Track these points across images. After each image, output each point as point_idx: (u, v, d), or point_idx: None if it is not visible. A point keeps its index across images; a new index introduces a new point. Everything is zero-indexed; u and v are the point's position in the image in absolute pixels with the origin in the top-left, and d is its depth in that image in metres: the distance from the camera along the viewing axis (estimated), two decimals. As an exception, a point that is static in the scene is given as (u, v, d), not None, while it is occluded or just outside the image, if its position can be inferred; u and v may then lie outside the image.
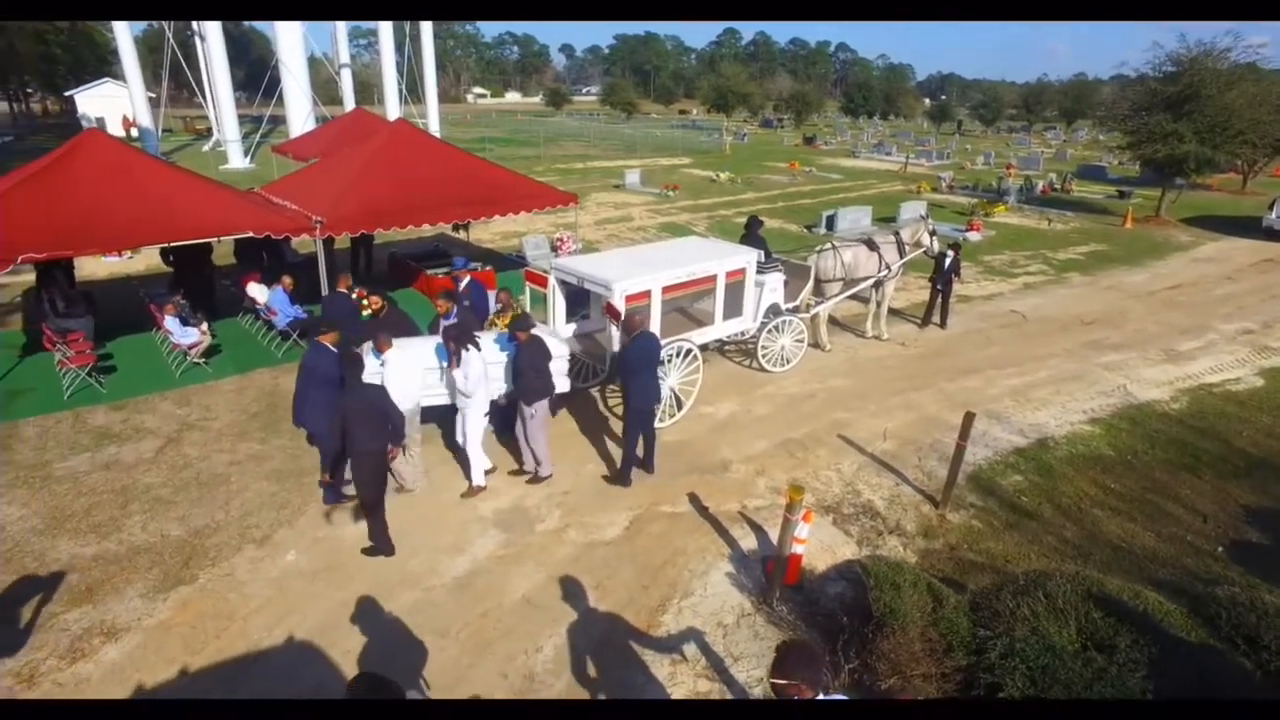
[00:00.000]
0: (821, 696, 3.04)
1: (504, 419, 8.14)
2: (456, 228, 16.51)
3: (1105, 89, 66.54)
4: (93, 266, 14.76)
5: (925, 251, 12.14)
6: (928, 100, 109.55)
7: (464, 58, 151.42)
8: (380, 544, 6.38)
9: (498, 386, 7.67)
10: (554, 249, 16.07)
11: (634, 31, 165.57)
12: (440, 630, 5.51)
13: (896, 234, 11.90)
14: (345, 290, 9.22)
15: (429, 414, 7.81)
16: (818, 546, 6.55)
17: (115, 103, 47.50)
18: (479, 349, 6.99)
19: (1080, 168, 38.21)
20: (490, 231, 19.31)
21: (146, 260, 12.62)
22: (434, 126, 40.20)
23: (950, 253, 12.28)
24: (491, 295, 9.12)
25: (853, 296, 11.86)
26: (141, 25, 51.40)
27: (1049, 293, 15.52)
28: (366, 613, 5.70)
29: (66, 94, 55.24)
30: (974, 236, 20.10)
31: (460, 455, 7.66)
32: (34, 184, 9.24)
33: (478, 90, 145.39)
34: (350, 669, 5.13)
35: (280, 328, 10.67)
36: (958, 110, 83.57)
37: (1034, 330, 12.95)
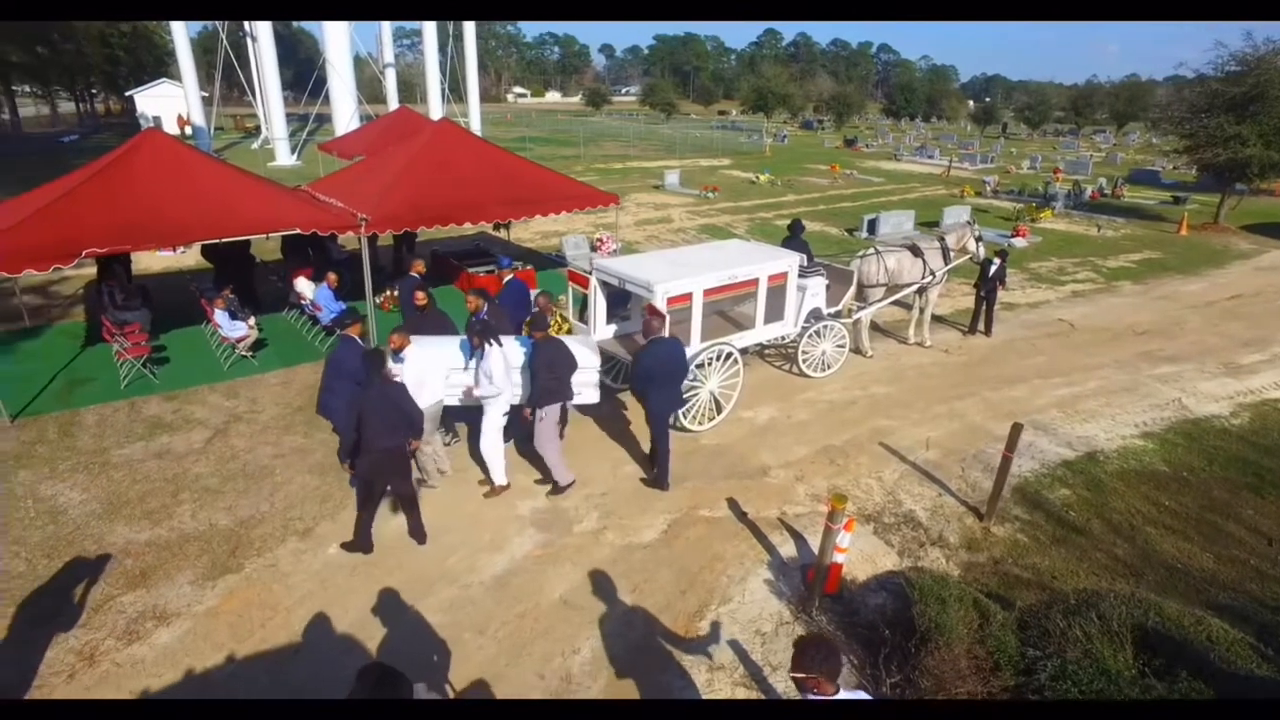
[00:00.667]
0: (843, 692, 3.15)
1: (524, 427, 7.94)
2: (497, 227, 16.65)
3: (1160, 90, 64.39)
4: (148, 261, 15.22)
5: (971, 257, 11.89)
6: (971, 102, 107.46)
7: (505, 58, 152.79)
8: (361, 542, 6.41)
9: (519, 389, 7.50)
10: (594, 249, 16.13)
11: (674, 32, 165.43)
12: (478, 628, 5.54)
13: (941, 239, 11.69)
14: (417, 275, 9.43)
15: (461, 414, 7.84)
16: (858, 556, 6.44)
17: (171, 102, 49.01)
18: (501, 346, 6.97)
19: (1132, 172, 37.13)
20: (530, 231, 19.43)
21: (197, 255, 12.93)
22: (475, 125, 40.61)
23: (996, 259, 12.01)
24: (533, 295, 9.16)
25: (896, 302, 11.67)
26: (197, 27, 52.92)
27: (1098, 301, 15.09)
28: (406, 608, 5.76)
29: (127, 94, 57.12)
30: (1019, 243, 19.65)
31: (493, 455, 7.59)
32: (97, 181, 9.51)
33: (518, 90, 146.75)
34: (391, 661, 5.17)
35: (324, 323, 10.86)
36: (1003, 112, 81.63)
37: (1082, 339, 12.60)
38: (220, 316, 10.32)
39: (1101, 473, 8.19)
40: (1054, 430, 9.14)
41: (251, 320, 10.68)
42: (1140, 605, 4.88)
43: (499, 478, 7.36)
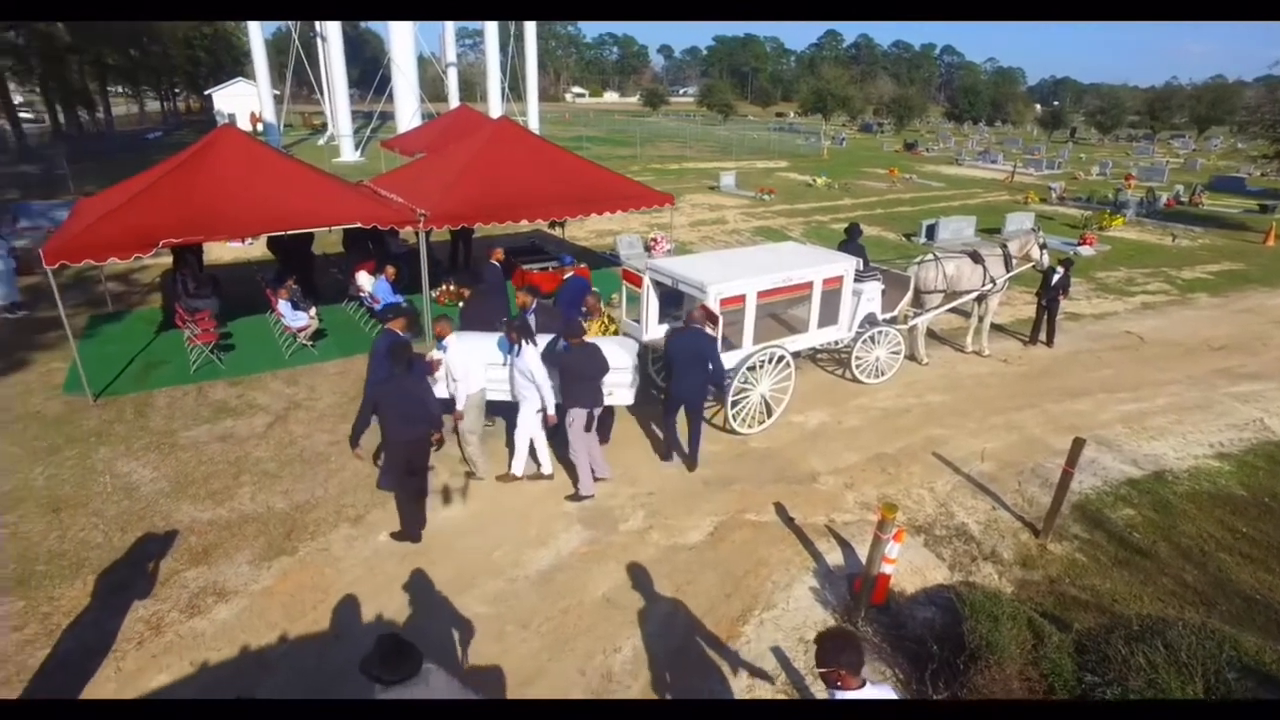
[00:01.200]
0: (868, 686, 3.20)
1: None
2: (552, 224, 16.82)
3: (1249, 92, 60.89)
4: (219, 251, 15.85)
5: (1034, 265, 11.50)
6: (1038, 106, 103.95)
7: (564, 57, 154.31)
8: (409, 531, 6.51)
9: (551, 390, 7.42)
10: (647, 249, 16.16)
11: (733, 33, 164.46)
12: (522, 622, 5.60)
13: (1003, 246, 11.34)
14: (497, 263, 9.76)
15: (503, 408, 7.93)
16: (907, 568, 6.30)
17: (245, 100, 51.05)
18: (536, 346, 7.03)
19: (1213, 179, 35.33)
20: (585, 229, 19.56)
21: (264, 247, 13.43)
22: (534, 124, 41.18)
23: (1060, 268, 11.59)
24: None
25: (954, 309, 11.37)
26: (272, 28, 55.03)
27: (1170, 314, 14.41)
28: (451, 598, 5.85)
29: (206, 93, 59.74)
30: (1086, 251, 18.92)
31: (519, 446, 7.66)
32: (175, 175, 9.96)
33: (576, 89, 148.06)
34: (433, 651, 5.27)
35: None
36: (1072, 116, 78.63)
37: (1152, 353, 12.06)
38: (283, 306, 10.68)
39: (1170, 494, 7.82)
40: (1119, 447, 8.77)
41: (312, 311, 11.02)
42: (1213, 637, 4.60)
43: (517, 468, 7.48)
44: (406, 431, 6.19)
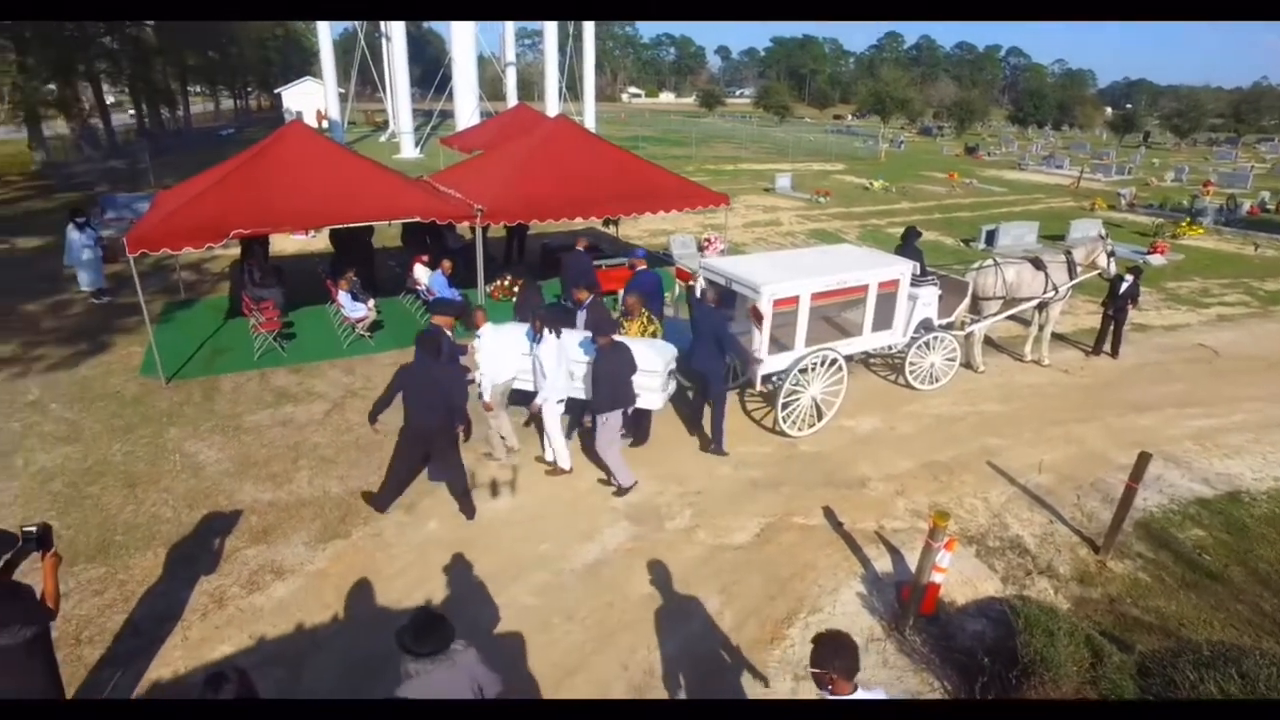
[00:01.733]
0: (860, 692, 3.18)
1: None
2: (606, 222, 16.92)
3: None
4: (282, 243, 16.38)
5: (1101, 274, 11.10)
6: (1109, 109, 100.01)
7: (621, 58, 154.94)
8: (466, 510, 6.78)
9: (577, 385, 7.59)
10: (700, 249, 16.13)
11: (791, 34, 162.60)
12: (567, 614, 5.67)
13: (1068, 253, 10.96)
14: (583, 250, 10.15)
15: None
16: (958, 578, 6.16)
17: (312, 98, 52.61)
18: (558, 338, 7.17)
19: (1303, 186, 33.48)
20: (638, 228, 19.62)
21: (326, 240, 13.83)
22: (590, 124, 41.46)
23: (1129, 276, 11.16)
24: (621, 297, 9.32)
25: (1012, 317, 11.06)
26: (339, 29, 56.79)
27: (1249, 327, 13.72)
28: (498, 587, 5.95)
29: (276, 91, 61.93)
30: (1157, 260, 18.15)
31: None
32: (246, 168, 10.37)
33: (632, 90, 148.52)
34: (480, 639, 5.37)
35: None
36: (1146, 120, 75.43)
37: (1228, 367, 11.51)
38: (343, 297, 11.00)
39: (1247, 516, 7.43)
40: (1188, 464, 8.40)
41: (371, 302, 11.32)
42: (1297, 669, 4.36)
43: (561, 461, 7.60)
44: (424, 417, 6.37)
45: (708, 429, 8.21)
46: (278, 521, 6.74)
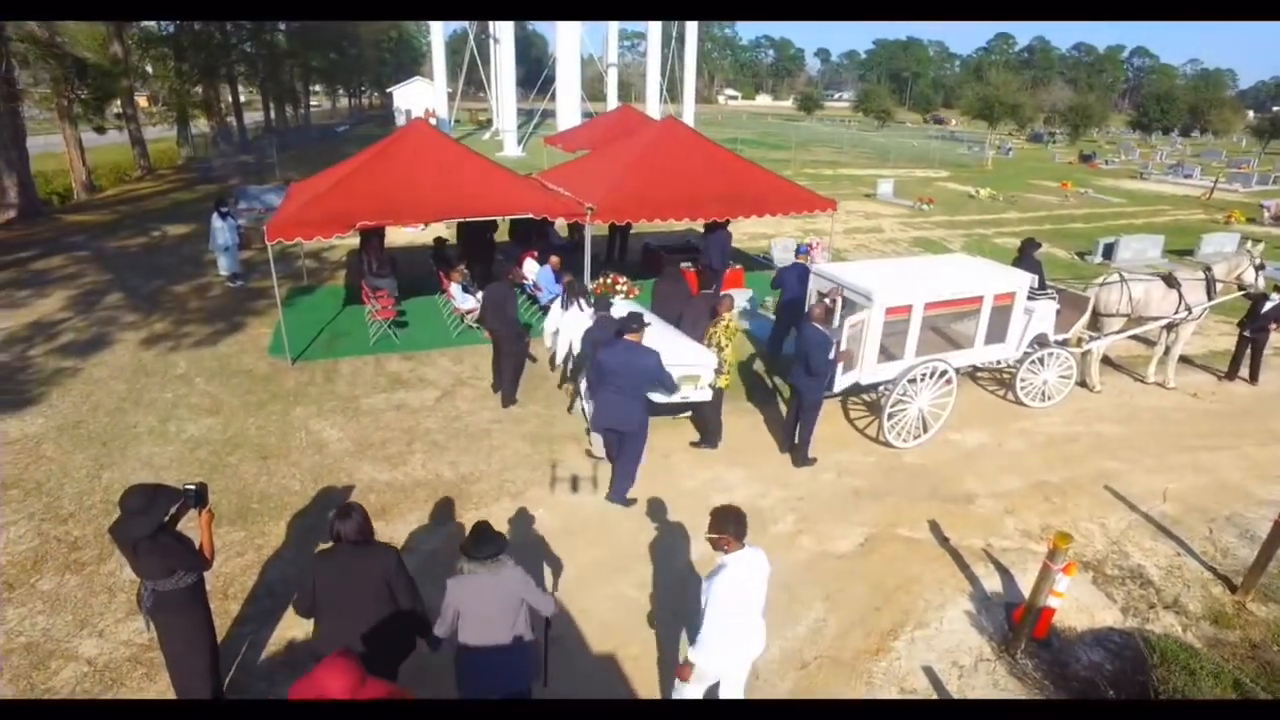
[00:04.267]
0: (746, 547, 4.05)
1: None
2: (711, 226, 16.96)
3: None
4: (394, 234, 17.20)
5: (1247, 291, 10.27)
6: (1252, 113, 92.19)
7: (719, 59, 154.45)
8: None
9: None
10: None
11: (894, 36, 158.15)
12: (672, 609, 5.74)
13: (1207, 270, 10.20)
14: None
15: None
16: (1072, 604, 5.90)
17: (421, 96, 55.03)
18: (580, 310, 7.79)
19: None
20: (738, 231, 19.36)
21: (435, 232, 14.35)
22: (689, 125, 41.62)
23: (1275, 296, 10.31)
24: (742, 294, 9.35)
25: (1136, 336, 10.42)
26: (450, 30, 59.11)
27: None
28: (603, 578, 6.09)
29: (388, 90, 65.10)
30: (1304, 280, 16.69)
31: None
32: (372, 163, 10.97)
33: (729, 92, 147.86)
34: (589, 627, 5.55)
35: (543, 303, 11.70)
36: (1296, 123, 68.99)
37: (1387, 401, 10.50)
38: (455, 289, 11.47)
39: None
40: (1342, 503, 7.73)
41: (480, 294, 11.76)
42: None
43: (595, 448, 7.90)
44: (619, 402, 6.75)
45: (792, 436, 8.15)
46: (394, 501, 7.11)
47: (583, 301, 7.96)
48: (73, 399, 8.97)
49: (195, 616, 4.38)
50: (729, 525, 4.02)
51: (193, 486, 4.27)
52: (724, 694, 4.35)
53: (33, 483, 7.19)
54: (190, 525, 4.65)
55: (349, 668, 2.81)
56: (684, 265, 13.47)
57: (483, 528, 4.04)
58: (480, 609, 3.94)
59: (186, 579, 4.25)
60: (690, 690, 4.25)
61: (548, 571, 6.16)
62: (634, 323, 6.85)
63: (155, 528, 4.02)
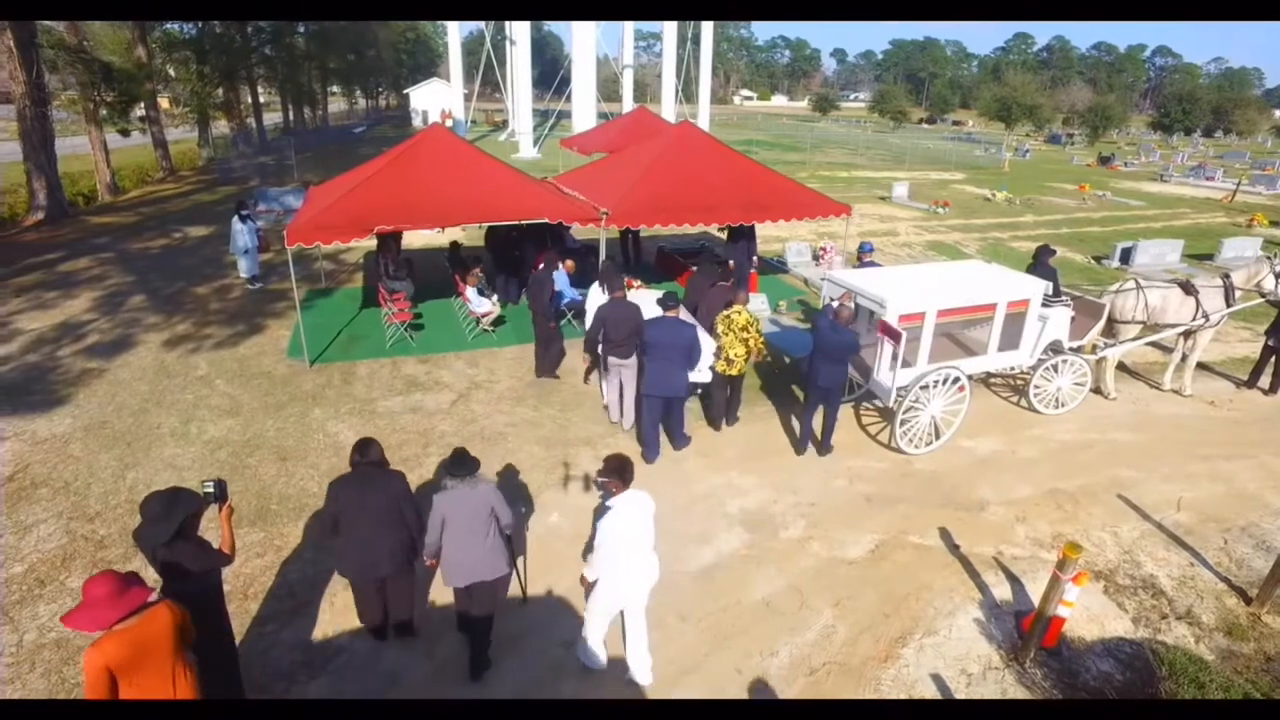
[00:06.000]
0: (631, 490, 4.71)
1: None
2: (722, 229, 17.01)
3: None
4: (410, 237, 17.37)
5: (1267, 299, 10.19)
6: (1278, 112, 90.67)
7: (735, 60, 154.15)
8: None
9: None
10: (816, 258, 15.97)
11: (911, 36, 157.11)
12: (682, 614, 5.82)
13: (1226, 277, 10.12)
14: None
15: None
16: (1083, 614, 5.91)
17: (437, 98, 55.46)
18: (599, 294, 8.55)
19: None
20: (749, 235, 19.57)
21: (451, 235, 14.51)
22: (704, 126, 41.64)
23: (1302, 303, 10.20)
24: (756, 298, 9.45)
25: (1153, 343, 10.35)
26: (466, 31, 59.55)
27: None
28: (617, 583, 6.16)
29: (405, 91, 65.62)
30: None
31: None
32: (390, 167, 11.09)
33: (745, 92, 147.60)
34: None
35: (559, 306, 11.79)
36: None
37: None
38: (470, 292, 11.60)
39: None
40: (1364, 515, 7.66)
41: (495, 298, 11.89)
42: None
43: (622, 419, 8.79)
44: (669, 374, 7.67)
45: (817, 432, 8.40)
46: (412, 504, 7.23)
47: (616, 283, 8.53)
48: (98, 400, 9.18)
49: (213, 618, 4.50)
50: (614, 472, 4.70)
51: (211, 486, 4.40)
52: (628, 622, 5.04)
53: (61, 481, 7.38)
54: (211, 524, 4.79)
55: (110, 578, 3.44)
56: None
57: (461, 451, 4.92)
58: (460, 517, 4.80)
59: (203, 582, 4.37)
60: (597, 623, 5.07)
61: (558, 573, 6.23)
62: (671, 300, 7.96)
63: (173, 534, 4.14)
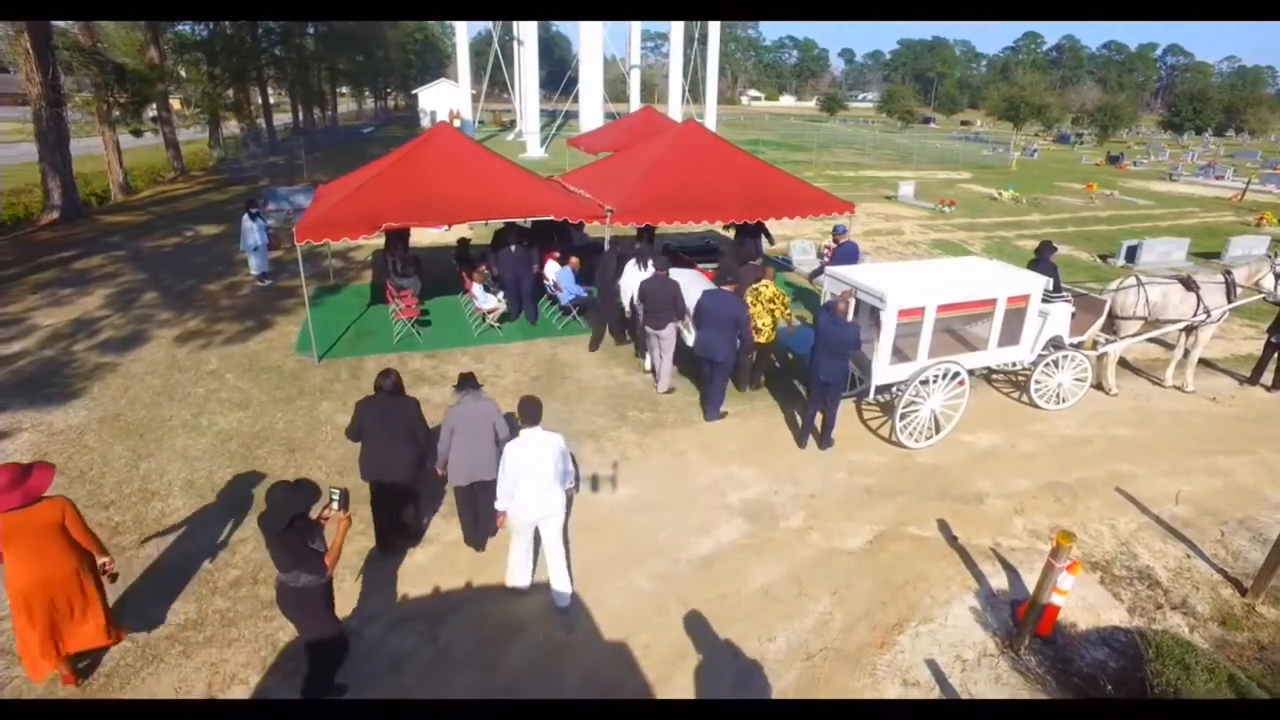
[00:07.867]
0: (538, 428, 5.48)
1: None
2: (727, 226, 17.12)
3: None
4: (417, 235, 17.54)
5: (1266, 297, 10.23)
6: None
7: (742, 60, 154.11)
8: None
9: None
10: (820, 255, 16.05)
11: (920, 36, 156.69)
12: (682, 600, 5.93)
13: (1227, 273, 10.17)
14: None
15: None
16: (1079, 603, 5.99)
17: (445, 98, 55.77)
18: (635, 272, 9.64)
19: None
20: (754, 232, 19.66)
21: (459, 232, 14.62)
22: (711, 126, 41.73)
23: (1306, 301, 10.23)
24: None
25: (1154, 339, 10.39)
26: (474, 32, 59.79)
27: None
28: (619, 571, 6.28)
29: (413, 91, 65.97)
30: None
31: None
32: (398, 165, 11.25)
33: (752, 92, 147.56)
34: (601, 616, 5.75)
35: (563, 303, 11.94)
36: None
37: None
38: (476, 289, 11.74)
39: None
40: (1362, 509, 7.70)
41: (501, 295, 12.02)
42: None
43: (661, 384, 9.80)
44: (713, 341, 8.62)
45: (818, 427, 8.52)
46: (425, 496, 7.33)
47: (650, 263, 9.47)
48: (112, 392, 9.36)
49: (313, 617, 4.64)
50: (523, 411, 5.52)
51: (336, 494, 4.65)
52: (545, 539, 5.77)
53: (76, 471, 7.55)
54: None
55: (10, 467, 4.59)
56: (704, 266, 13.66)
57: (467, 375, 6.16)
58: (464, 426, 5.93)
59: (304, 579, 4.47)
60: (518, 544, 5.85)
61: (570, 563, 6.33)
62: (729, 275, 9.04)
63: (286, 523, 4.32)
